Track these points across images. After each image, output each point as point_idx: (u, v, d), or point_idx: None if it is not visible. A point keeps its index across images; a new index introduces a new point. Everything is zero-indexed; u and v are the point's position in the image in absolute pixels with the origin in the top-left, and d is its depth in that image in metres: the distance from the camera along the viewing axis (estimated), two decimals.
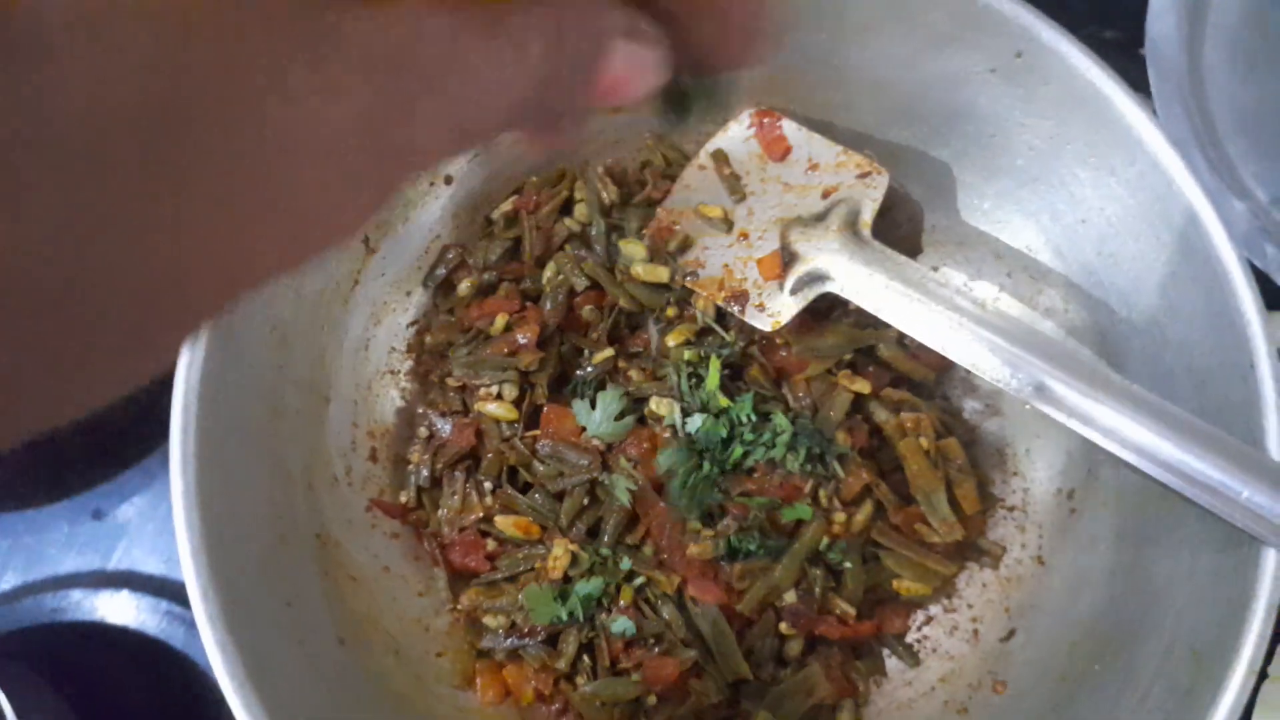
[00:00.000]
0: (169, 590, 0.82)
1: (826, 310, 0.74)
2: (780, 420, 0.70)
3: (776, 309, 0.71)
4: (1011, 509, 0.70)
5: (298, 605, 0.59)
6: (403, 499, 0.71)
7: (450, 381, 0.72)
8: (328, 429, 0.69)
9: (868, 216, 0.70)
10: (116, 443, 0.86)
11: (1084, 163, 0.66)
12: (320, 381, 0.69)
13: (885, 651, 0.69)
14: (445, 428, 0.71)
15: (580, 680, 0.66)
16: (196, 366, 0.58)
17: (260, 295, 0.63)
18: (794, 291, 0.71)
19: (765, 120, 0.75)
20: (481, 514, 0.69)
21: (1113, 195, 0.65)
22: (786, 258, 0.71)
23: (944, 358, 0.74)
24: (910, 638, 0.70)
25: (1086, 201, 0.67)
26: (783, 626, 0.68)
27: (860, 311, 0.74)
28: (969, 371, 0.75)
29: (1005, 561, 0.69)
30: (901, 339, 0.73)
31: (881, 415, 0.72)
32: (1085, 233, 0.68)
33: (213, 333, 0.59)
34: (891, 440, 0.71)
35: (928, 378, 0.74)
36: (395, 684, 0.63)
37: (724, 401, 0.71)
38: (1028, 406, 0.63)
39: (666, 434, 0.71)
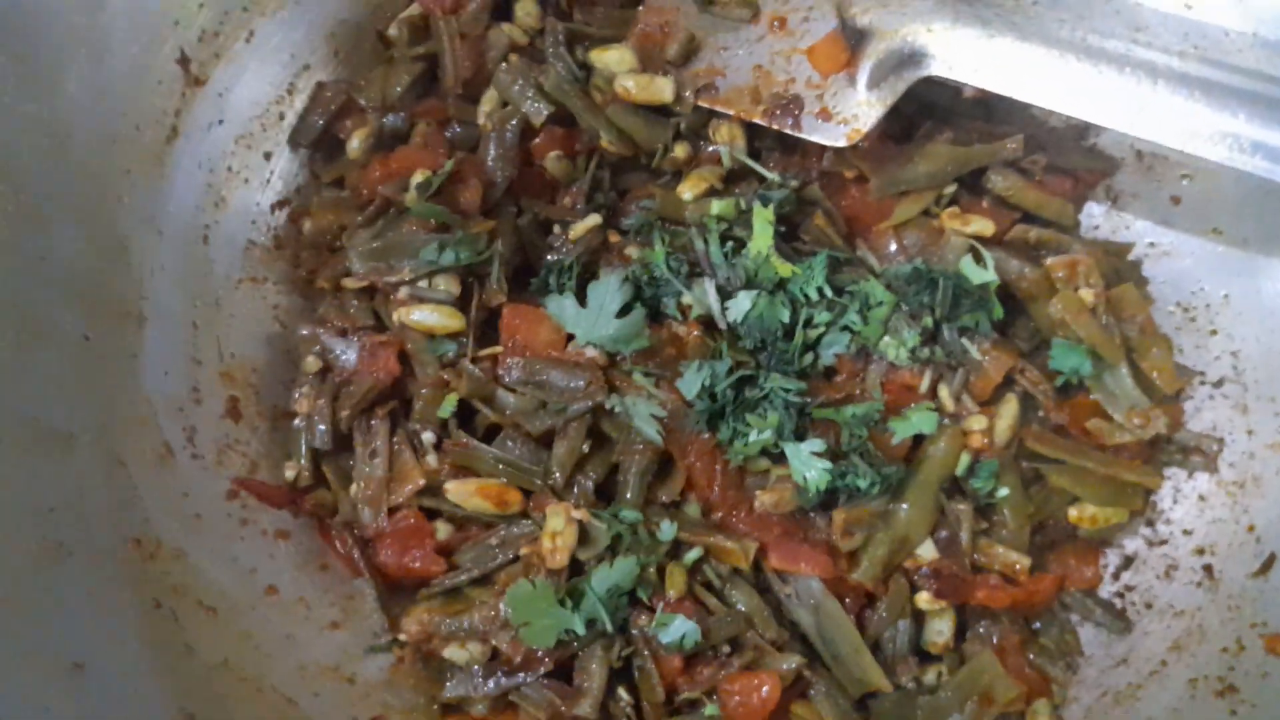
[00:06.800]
0: None
1: (905, 131, 0.50)
2: (874, 288, 0.46)
3: (849, 112, 0.46)
4: (1219, 382, 0.47)
5: (94, 664, 0.32)
6: (289, 474, 0.44)
7: (349, 284, 0.46)
8: (144, 368, 0.41)
9: None
10: None
11: None
12: (125, 291, 0.41)
13: (1074, 618, 0.45)
14: (348, 355, 0.44)
15: None
16: None
17: None
18: (873, 85, 0.46)
19: None
20: (423, 481, 0.43)
21: None
22: (853, 39, 0.47)
23: (1080, 182, 0.52)
24: (1106, 592, 0.46)
25: None
26: (922, 599, 0.43)
27: (959, 125, 0.50)
28: (1114, 201, 0.53)
29: (1226, 459, 0.46)
30: (1020, 162, 0.49)
31: (1013, 268, 0.48)
32: None
33: None
34: (1033, 299, 0.47)
35: (1063, 214, 0.50)
36: None
37: (782, 268, 0.46)
38: (1216, 236, 0.39)
39: (697, 331, 0.46)
